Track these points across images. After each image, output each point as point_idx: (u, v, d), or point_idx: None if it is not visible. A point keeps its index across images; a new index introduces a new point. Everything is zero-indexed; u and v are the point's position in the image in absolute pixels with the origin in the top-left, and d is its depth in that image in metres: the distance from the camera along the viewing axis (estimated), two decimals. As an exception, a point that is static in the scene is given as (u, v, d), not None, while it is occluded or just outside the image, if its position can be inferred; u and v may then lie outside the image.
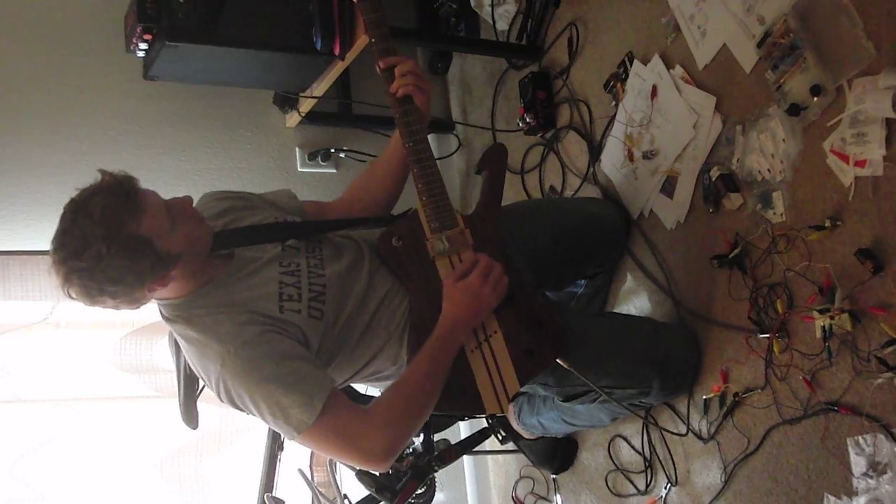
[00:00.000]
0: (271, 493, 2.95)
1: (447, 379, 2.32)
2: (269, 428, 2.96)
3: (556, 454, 3.35)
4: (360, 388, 2.84)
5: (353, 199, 2.74)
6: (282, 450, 3.01)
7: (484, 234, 2.49)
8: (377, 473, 2.97)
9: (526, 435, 3.29)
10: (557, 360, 2.48)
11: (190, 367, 2.58)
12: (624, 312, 3.07)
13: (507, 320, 2.41)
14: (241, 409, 2.22)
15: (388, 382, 2.38)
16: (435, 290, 2.41)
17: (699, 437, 2.75)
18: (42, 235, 3.45)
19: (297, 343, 2.23)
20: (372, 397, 2.36)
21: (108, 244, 2.03)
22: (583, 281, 3.10)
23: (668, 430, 2.85)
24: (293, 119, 3.87)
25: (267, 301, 2.26)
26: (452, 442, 3.30)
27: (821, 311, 2.26)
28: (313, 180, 3.98)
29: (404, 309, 2.44)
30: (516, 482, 3.75)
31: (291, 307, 2.26)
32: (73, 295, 2.08)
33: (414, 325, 2.40)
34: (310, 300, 2.30)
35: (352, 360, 2.41)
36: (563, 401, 2.77)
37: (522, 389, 2.50)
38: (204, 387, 2.62)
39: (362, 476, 2.86)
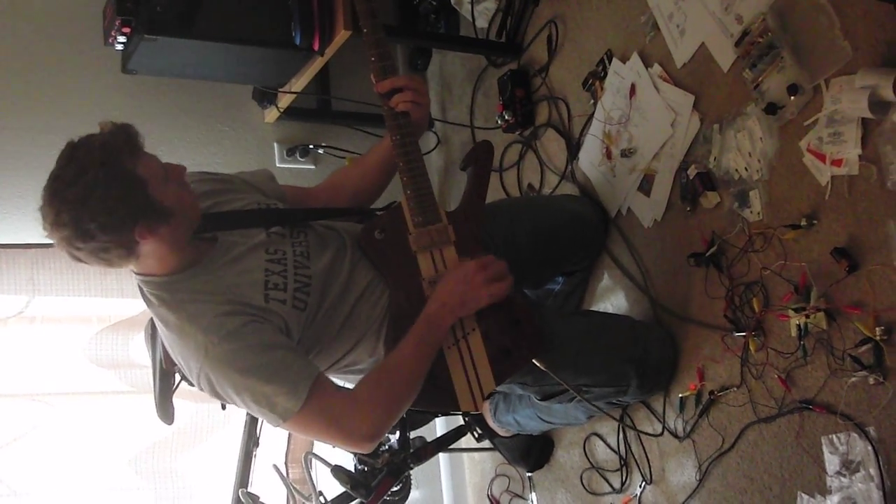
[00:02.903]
0: (246, 488, 2.94)
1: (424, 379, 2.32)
2: (245, 424, 2.97)
3: (532, 452, 3.35)
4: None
5: (336, 186, 2.73)
6: (257, 446, 3.00)
7: (467, 231, 2.49)
8: (352, 469, 2.97)
9: (501, 432, 3.29)
10: (534, 361, 2.48)
11: (165, 363, 2.57)
12: (601, 310, 3.08)
13: (485, 318, 2.41)
14: (223, 399, 2.22)
15: (363, 375, 2.37)
16: (415, 284, 2.41)
17: (674, 435, 2.75)
18: (17, 229, 3.43)
19: (279, 332, 2.22)
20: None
21: (105, 171, 2.03)
22: (560, 278, 3.10)
23: (644, 432, 2.86)
24: (272, 114, 3.86)
25: (252, 289, 2.25)
26: (428, 439, 3.30)
27: (796, 310, 2.27)
28: (291, 176, 3.97)
29: (384, 301, 2.43)
30: (492, 480, 3.75)
31: (277, 297, 2.26)
32: (62, 234, 2.05)
33: (393, 318, 2.40)
34: (295, 290, 2.29)
35: (330, 351, 2.41)
36: (540, 399, 2.77)
37: (499, 388, 2.50)
38: (180, 382, 2.61)
39: (337, 472, 2.85)
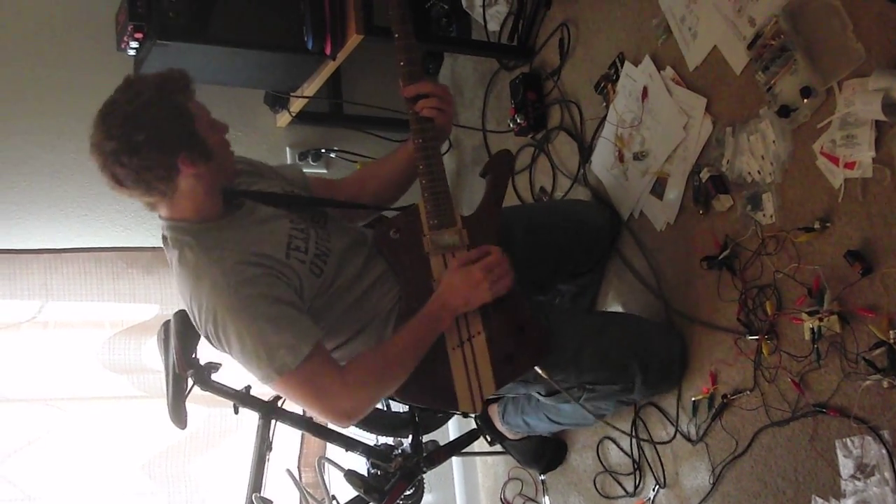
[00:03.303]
0: (259, 493, 2.94)
1: (425, 372, 2.37)
2: (258, 428, 2.96)
3: (545, 453, 3.35)
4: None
5: (362, 181, 2.78)
6: (270, 450, 2.99)
7: (481, 237, 2.50)
8: (365, 474, 2.96)
9: (510, 435, 3.29)
10: (536, 369, 2.50)
11: (178, 367, 2.58)
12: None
13: (491, 322, 2.44)
14: (220, 345, 2.27)
15: None
16: (425, 285, 2.44)
17: (688, 438, 2.74)
18: (30, 234, 3.45)
19: (293, 291, 2.29)
20: None
21: (160, 96, 2.18)
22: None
23: (658, 442, 2.85)
24: (284, 119, 3.87)
25: (275, 246, 2.33)
26: (441, 443, 3.29)
27: (809, 313, 2.26)
28: (304, 180, 3.97)
29: (394, 294, 2.48)
30: (505, 483, 3.74)
31: (297, 257, 2.34)
32: (110, 147, 2.15)
33: (401, 316, 2.43)
34: (315, 256, 2.38)
35: (336, 330, 2.45)
36: (545, 396, 2.77)
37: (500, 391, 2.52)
38: (193, 386, 2.62)
39: (350, 477, 2.86)
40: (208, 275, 2.23)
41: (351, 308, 2.44)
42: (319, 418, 2.49)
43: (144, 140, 2.13)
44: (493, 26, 3.66)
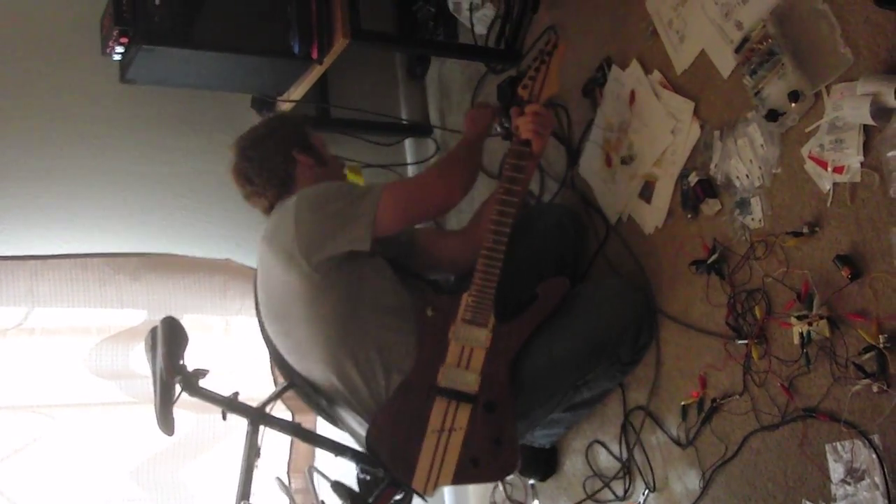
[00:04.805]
0: (248, 500, 2.92)
1: (400, 437, 2.61)
2: (247, 434, 2.93)
3: (539, 462, 3.34)
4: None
5: (467, 243, 2.95)
6: (259, 456, 2.97)
7: (503, 344, 2.66)
8: (356, 476, 2.95)
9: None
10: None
11: (166, 373, 2.58)
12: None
13: (475, 425, 2.59)
14: (322, 230, 2.62)
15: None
16: (435, 364, 2.65)
17: (677, 442, 2.74)
18: (16, 240, 3.42)
19: None
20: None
21: (281, 119, 3.09)
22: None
23: (647, 446, 2.84)
24: (271, 123, 3.85)
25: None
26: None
27: (799, 318, 2.26)
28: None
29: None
30: (494, 488, 3.73)
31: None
32: (241, 145, 2.91)
33: (403, 387, 2.64)
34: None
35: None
36: (564, 411, 2.94)
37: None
38: (181, 393, 2.62)
39: (337, 488, 2.84)
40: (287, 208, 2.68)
41: (391, 306, 2.72)
42: (440, 206, 2.89)
43: (265, 133, 2.89)
44: (481, 30, 3.66)
